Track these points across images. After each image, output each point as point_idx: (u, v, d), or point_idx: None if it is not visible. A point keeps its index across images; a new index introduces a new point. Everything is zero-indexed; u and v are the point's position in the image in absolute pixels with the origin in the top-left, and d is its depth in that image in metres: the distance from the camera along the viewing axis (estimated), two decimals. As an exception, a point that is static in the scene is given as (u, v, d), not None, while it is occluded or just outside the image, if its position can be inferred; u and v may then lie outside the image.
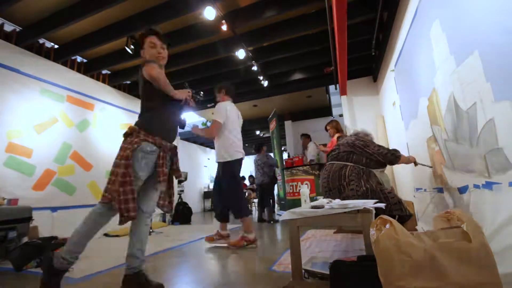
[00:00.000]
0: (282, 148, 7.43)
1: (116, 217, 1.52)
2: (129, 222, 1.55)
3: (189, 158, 9.60)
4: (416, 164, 2.36)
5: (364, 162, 2.16)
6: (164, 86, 1.63)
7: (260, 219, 5.01)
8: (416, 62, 2.41)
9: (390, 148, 2.28)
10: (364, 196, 1.99)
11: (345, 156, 2.21)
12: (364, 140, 2.24)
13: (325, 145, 4.61)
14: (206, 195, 10.53)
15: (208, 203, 10.42)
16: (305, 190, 1.68)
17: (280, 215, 5.30)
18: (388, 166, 2.32)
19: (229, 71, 4.96)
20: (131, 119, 5.13)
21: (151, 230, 3.93)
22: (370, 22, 3.53)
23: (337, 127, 4.18)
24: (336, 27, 2.77)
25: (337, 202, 1.59)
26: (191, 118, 8.07)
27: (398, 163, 2.20)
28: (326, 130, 4.27)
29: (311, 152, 5.26)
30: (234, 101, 3.10)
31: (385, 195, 1.99)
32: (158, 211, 5.20)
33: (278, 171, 5.71)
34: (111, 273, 2.07)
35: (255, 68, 4.53)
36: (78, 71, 4.36)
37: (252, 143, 11.23)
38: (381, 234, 1.03)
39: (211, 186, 10.95)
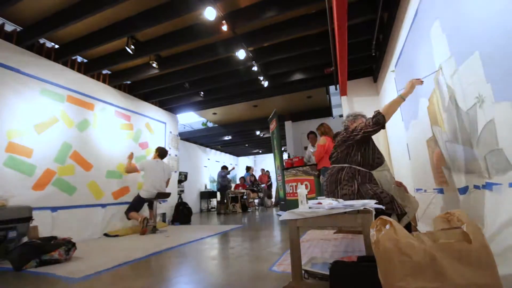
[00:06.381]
0: (282, 149, 7.44)
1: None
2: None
3: (189, 158, 9.58)
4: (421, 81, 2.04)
5: (360, 161, 2.14)
6: None
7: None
8: (417, 63, 2.41)
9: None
10: (355, 198, 1.98)
11: (343, 157, 2.21)
12: (351, 128, 2.22)
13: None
14: (202, 195, 10.14)
15: (205, 204, 10.14)
16: (302, 190, 1.65)
17: (279, 215, 5.32)
18: (388, 166, 2.28)
19: (229, 71, 4.95)
20: (131, 119, 5.14)
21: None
22: (370, 23, 3.53)
23: (324, 131, 4.32)
24: (337, 28, 2.77)
25: (340, 202, 1.58)
26: (191, 118, 8.07)
27: (389, 115, 2.03)
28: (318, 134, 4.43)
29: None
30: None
31: (377, 195, 1.97)
32: (159, 211, 5.23)
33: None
34: (111, 273, 2.07)
35: (255, 68, 4.52)
36: (79, 71, 4.36)
37: (252, 143, 11.30)
38: (381, 235, 1.03)
39: (209, 186, 10.89)
